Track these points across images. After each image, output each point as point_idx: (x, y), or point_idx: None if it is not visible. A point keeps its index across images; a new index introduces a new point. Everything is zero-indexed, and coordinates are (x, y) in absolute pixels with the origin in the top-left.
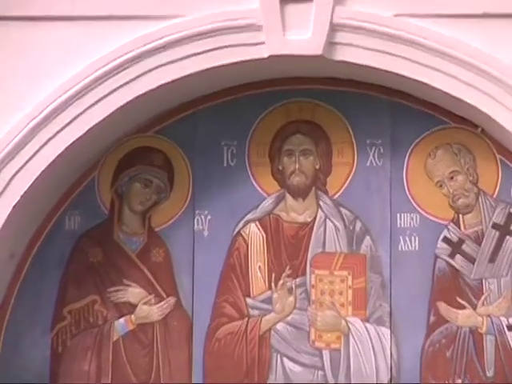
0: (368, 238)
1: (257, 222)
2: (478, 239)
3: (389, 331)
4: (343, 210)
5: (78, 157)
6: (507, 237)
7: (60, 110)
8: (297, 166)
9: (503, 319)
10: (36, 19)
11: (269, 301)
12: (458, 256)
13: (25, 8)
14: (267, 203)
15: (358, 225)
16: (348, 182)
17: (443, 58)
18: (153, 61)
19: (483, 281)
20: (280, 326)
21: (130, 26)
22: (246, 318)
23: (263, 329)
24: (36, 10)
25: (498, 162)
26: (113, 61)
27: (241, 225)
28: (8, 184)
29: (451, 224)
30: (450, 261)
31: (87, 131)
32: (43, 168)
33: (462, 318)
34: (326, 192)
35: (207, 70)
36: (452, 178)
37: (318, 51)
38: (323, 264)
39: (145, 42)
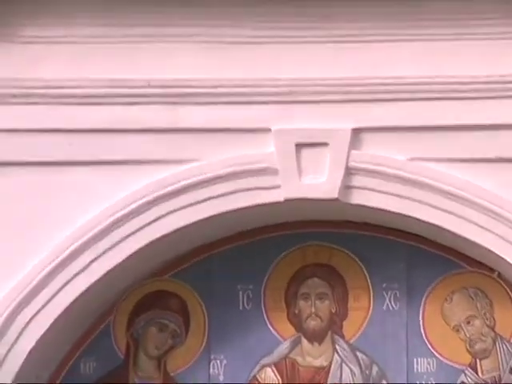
0: (385, 382)
1: (272, 367)
2: None
3: None
4: (359, 355)
5: (94, 301)
6: None
7: (76, 254)
8: (313, 309)
9: None
10: (52, 164)
11: None
12: None
13: (40, 153)
14: (283, 347)
15: (375, 369)
16: (364, 326)
17: (457, 202)
18: (169, 205)
19: None
20: None
21: (147, 170)
22: None
23: None
24: (52, 155)
25: None
26: (129, 205)
27: (256, 369)
28: (24, 329)
29: (468, 369)
30: None
31: (103, 276)
32: (59, 313)
33: None
34: (342, 336)
35: (223, 213)
36: (469, 322)
37: (334, 195)
38: None
39: (161, 186)
